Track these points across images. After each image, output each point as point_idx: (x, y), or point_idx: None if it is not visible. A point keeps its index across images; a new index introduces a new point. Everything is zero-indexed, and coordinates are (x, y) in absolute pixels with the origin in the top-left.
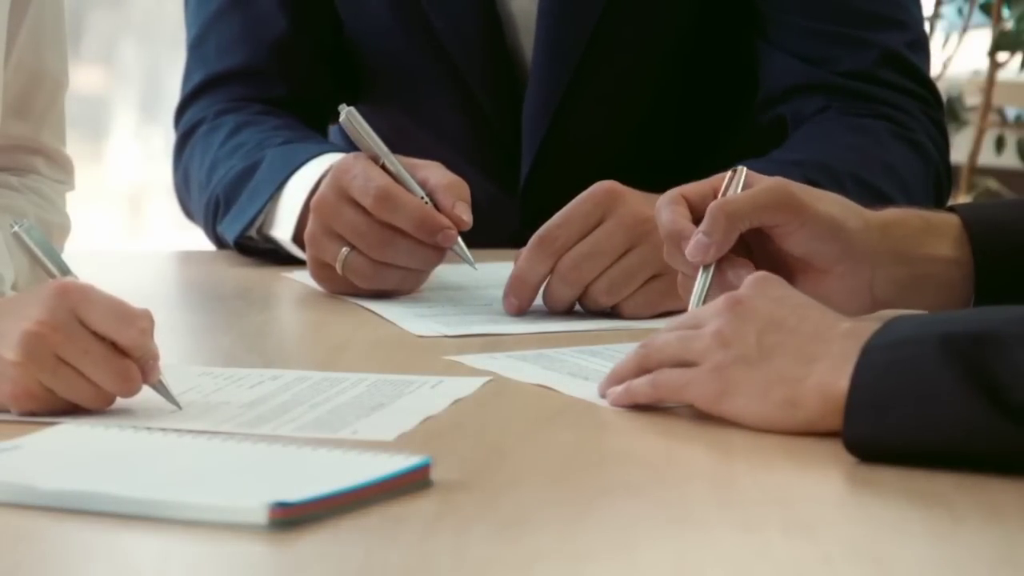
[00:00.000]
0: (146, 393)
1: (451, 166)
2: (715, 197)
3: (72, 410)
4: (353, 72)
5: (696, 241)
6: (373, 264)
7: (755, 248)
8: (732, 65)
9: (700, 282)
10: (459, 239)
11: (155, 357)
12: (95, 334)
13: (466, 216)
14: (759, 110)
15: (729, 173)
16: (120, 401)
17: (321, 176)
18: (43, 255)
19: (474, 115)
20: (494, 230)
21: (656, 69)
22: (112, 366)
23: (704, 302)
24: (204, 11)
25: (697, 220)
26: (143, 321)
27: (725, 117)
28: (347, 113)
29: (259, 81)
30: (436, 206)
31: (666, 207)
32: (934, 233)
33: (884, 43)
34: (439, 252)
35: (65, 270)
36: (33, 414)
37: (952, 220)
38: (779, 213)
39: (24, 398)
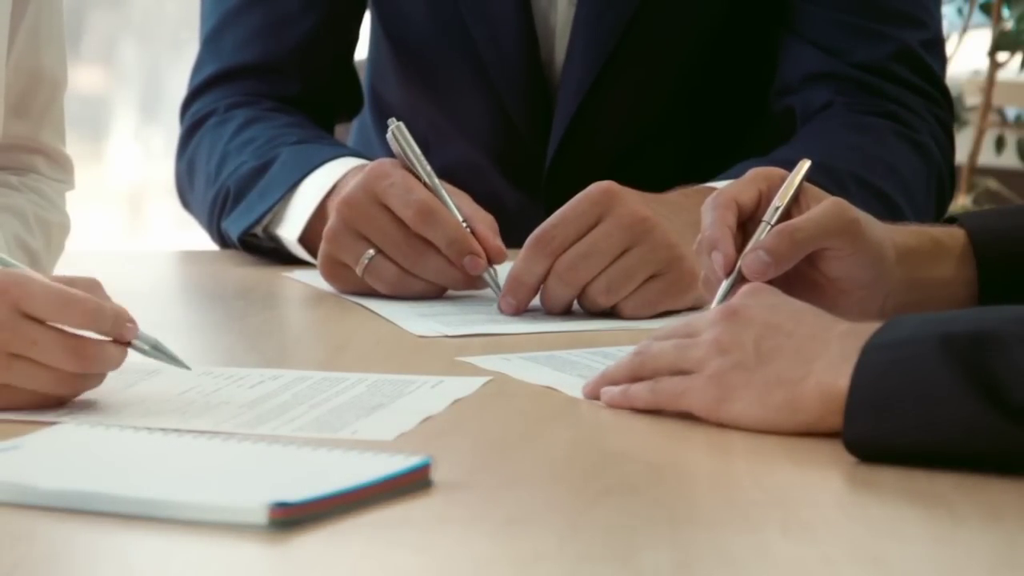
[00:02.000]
0: (146, 392)
1: (481, 168)
2: (760, 202)
3: (47, 401)
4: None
5: (756, 258)
6: (400, 272)
7: None
8: (751, 62)
9: (725, 286)
10: (491, 269)
11: (119, 319)
12: (43, 323)
13: (504, 250)
14: (773, 98)
15: (795, 171)
16: (118, 399)
17: (338, 180)
18: None
19: (504, 122)
20: (519, 233)
21: (679, 71)
22: (64, 346)
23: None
24: (223, 5)
25: (742, 223)
26: (86, 302)
27: (741, 115)
28: (395, 128)
29: (274, 78)
30: (472, 233)
31: (713, 210)
32: (944, 256)
33: (901, 39)
34: (468, 277)
35: (5, 263)
36: (15, 410)
37: (958, 235)
38: (841, 240)
39: None
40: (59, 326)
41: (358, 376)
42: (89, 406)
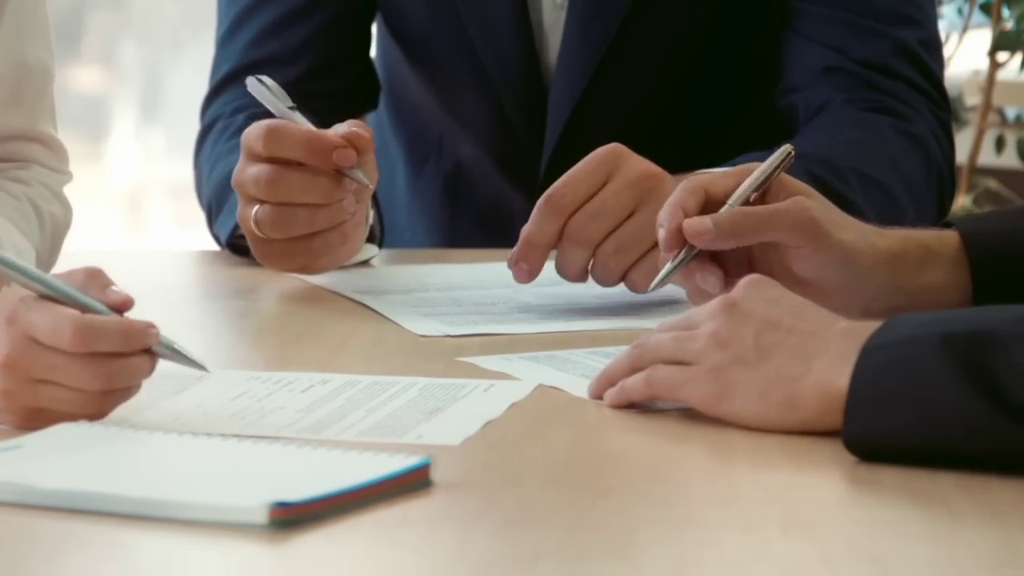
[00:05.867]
0: (198, 397)
1: (483, 168)
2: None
3: (83, 419)
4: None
5: (699, 222)
6: (275, 208)
7: (758, 253)
8: (745, 61)
9: (671, 264)
10: (354, 169)
11: (129, 332)
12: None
13: (365, 133)
14: (779, 97)
15: (771, 159)
16: (172, 406)
17: None
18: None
19: (502, 123)
20: (519, 234)
21: (672, 72)
22: (83, 366)
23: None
24: (237, 5)
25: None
26: (72, 327)
27: (736, 114)
28: (249, 85)
29: (286, 73)
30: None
31: (680, 192)
32: (934, 262)
33: (899, 37)
34: (337, 181)
35: (53, 287)
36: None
37: (950, 240)
38: (797, 236)
39: (23, 422)
40: None
41: (408, 380)
42: (143, 413)
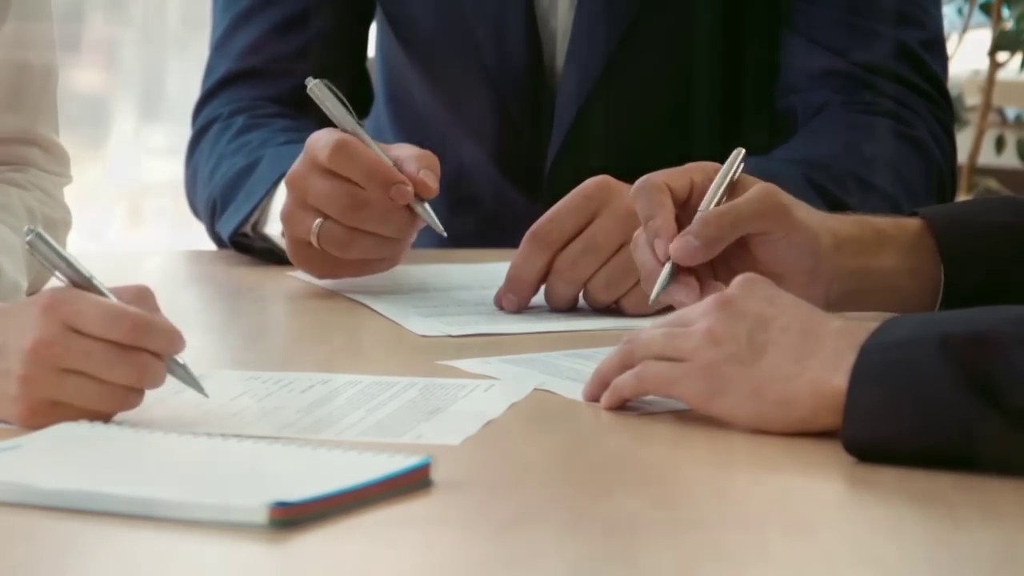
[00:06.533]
0: (197, 397)
1: (485, 170)
2: (692, 191)
3: (94, 418)
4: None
5: (685, 243)
6: (346, 230)
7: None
8: (751, 63)
9: (665, 275)
10: (425, 204)
11: (174, 335)
12: (95, 337)
13: (431, 183)
14: (777, 97)
15: (729, 162)
16: (172, 405)
17: None
18: (61, 262)
19: (507, 124)
20: (522, 236)
21: (679, 74)
22: (118, 356)
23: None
24: (233, 10)
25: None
26: (136, 317)
27: (742, 116)
28: (312, 87)
29: (282, 80)
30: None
31: (647, 195)
32: (886, 245)
33: (900, 39)
34: (411, 218)
35: (84, 275)
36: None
37: (906, 225)
38: (769, 223)
39: (32, 416)
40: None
41: (408, 380)
42: (143, 413)
